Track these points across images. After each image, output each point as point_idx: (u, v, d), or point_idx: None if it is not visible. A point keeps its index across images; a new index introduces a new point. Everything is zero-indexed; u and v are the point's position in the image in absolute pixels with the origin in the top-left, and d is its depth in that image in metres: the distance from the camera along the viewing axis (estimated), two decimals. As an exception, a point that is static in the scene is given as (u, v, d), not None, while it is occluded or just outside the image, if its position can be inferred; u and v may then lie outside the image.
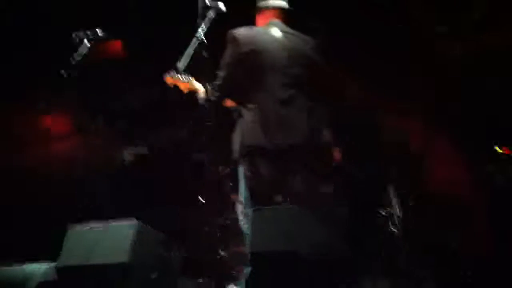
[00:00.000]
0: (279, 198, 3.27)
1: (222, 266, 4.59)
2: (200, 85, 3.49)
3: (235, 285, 3.44)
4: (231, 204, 4.73)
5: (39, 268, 3.23)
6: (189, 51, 3.13)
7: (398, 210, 4.50)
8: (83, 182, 5.58)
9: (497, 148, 4.55)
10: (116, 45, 5.90)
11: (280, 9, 3.50)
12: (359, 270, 3.42)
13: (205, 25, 3.26)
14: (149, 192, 5.67)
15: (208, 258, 4.67)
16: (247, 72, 3.29)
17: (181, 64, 3.09)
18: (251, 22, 3.57)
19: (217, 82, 3.35)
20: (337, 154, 3.43)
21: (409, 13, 5.27)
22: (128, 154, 6.13)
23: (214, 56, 3.35)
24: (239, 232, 3.40)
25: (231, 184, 4.82)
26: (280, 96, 3.26)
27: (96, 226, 3.19)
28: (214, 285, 4.24)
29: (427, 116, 4.97)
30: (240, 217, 3.33)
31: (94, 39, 3.56)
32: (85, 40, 3.53)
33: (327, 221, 2.78)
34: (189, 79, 3.55)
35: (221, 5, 3.33)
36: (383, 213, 4.53)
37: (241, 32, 3.34)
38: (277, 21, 3.46)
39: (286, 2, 3.55)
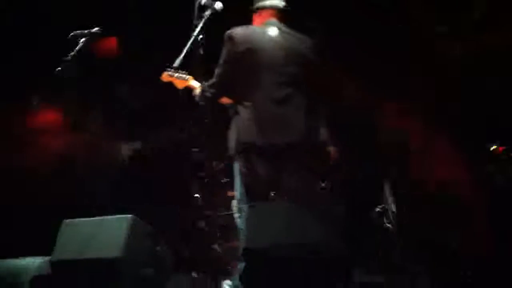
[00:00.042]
0: (274, 195, 3.29)
1: (216, 262, 4.60)
2: (197, 82, 3.51)
3: (230, 280, 3.46)
4: (227, 200, 4.75)
5: (33, 262, 3.24)
6: (186, 50, 3.14)
7: (393, 206, 4.51)
8: (79, 180, 5.59)
9: (494, 147, 4.55)
10: (112, 42, 5.90)
11: (277, 9, 3.52)
12: (355, 266, 3.42)
13: (201, 24, 3.27)
14: (145, 189, 5.68)
15: (202, 254, 4.68)
16: (243, 71, 3.31)
17: (177, 62, 3.10)
18: (248, 21, 3.58)
19: (214, 80, 3.37)
20: (333, 152, 3.44)
21: (409, 13, 5.27)
22: (126, 150, 6.14)
23: (210, 55, 3.36)
24: (234, 227, 3.42)
25: (227, 180, 4.83)
26: (276, 95, 3.29)
27: (90, 220, 3.20)
28: (209, 281, 4.24)
29: (427, 116, 4.97)
30: (235, 213, 3.35)
31: (90, 37, 3.56)
32: (81, 39, 3.53)
33: (322, 217, 2.79)
34: (186, 76, 3.57)
35: (218, 5, 3.34)
36: (379, 209, 4.54)
37: (238, 31, 3.36)
38: (274, 20, 3.48)
39: (283, 1, 3.56)
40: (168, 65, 3.44)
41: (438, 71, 5.02)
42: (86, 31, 3.57)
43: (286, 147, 3.22)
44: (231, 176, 3.51)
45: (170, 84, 3.66)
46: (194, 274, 4.55)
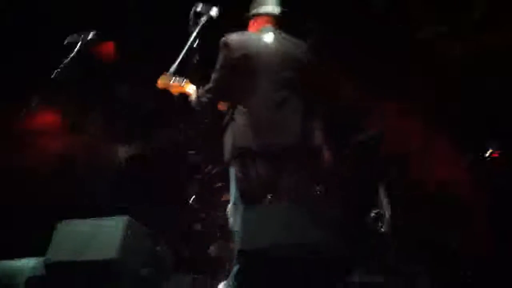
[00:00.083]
0: (269, 198, 3.31)
1: (213, 263, 4.61)
2: (193, 87, 3.52)
3: (226, 282, 3.46)
4: (222, 203, 4.76)
5: (27, 263, 3.23)
6: (181, 56, 3.15)
7: (388, 210, 4.51)
8: (75, 182, 5.58)
9: (489, 151, 4.56)
10: (109, 47, 5.90)
11: (272, 16, 3.56)
12: (353, 267, 3.43)
13: (197, 31, 3.28)
14: (142, 190, 5.68)
15: (200, 255, 4.70)
16: (239, 77, 3.34)
17: (173, 68, 3.11)
18: (244, 28, 3.62)
19: (210, 85, 3.39)
20: (328, 156, 3.47)
21: (409, 13, 5.27)
22: (123, 152, 6.14)
23: (206, 61, 3.37)
24: (228, 230, 3.43)
25: (222, 184, 4.85)
26: (271, 100, 3.32)
27: (85, 221, 3.19)
28: (209, 281, 4.26)
29: (427, 116, 4.97)
30: (230, 217, 3.37)
31: (87, 42, 3.57)
32: (78, 44, 3.54)
33: (318, 219, 2.79)
34: (182, 82, 3.59)
35: (213, 12, 3.35)
36: (374, 214, 4.54)
37: (233, 37, 3.40)
38: (269, 27, 3.51)
39: (279, 7, 3.59)
40: (164, 72, 3.45)
41: (438, 71, 5.02)
42: (82, 36, 3.58)
43: (281, 151, 3.25)
44: (225, 180, 3.53)
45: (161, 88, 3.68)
46: (192, 276, 4.55)
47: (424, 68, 5.08)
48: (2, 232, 4.86)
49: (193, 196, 5.07)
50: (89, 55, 3.81)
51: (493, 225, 4.21)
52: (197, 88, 3.47)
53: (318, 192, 4.52)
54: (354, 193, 4.77)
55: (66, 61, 3.50)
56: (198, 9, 3.34)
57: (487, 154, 4.56)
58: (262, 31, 3.50)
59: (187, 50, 3.19)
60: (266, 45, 3.42)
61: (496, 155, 4.55)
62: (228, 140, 3.35)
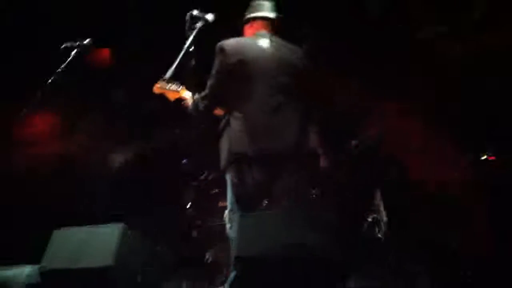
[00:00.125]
0: (265, 204, 3.31)
1: (211, 270, 4.61)
2: (189, 93, 3.53)
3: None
4: (218, 210, 4.76)
5: (22, 271, 3.19)
6: (177, 61, 3.15)
7: (384, 215, 4.52)
8: (73, 184, 5.58)
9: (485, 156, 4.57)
10: (104, 53, 5.91)
11: (268, 20, 3.56)
12: (346, 272, 3.43)
13: (193, 36, 3.27)
14: (139, 194, 5.66)
15: (197, 262, 4.69)
16: (235, 82, 3.34)
17: (169, 74, 3.11)
18: (240, 33, 3.62)
19: (206, 92, 3.39)
20: (324, 161, 3.47)
21: (409, 13, 5.27)
22: (119, 157, 6.13)
23: (202, 66, 3.37)
24: (225, 237, 3.43)
25: (219, 190, 4.85)
26: (267, 106, 3.31)
27: (81, 229, 3.18)
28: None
29: (427, 116, 4.97)
30: (227, 223, 3.37)
31: (82, 49, 3.58)
32: (73, 51, 3.55)
33: (314, 225, 2.79)
34: (178, 88, 3.59)
35: (209, 16, 3.35)
36: (370, 219, 4.54)
37: (229, 43, 3.40)
38: (264, 31, 3.52)
39: (274, 12, 3.59)
40: (160, 77, 3.46)
41: (438, 71, 5.02)
42: (77, 43, 3.59)
43: (277, 157, 3.25)
44: (222, 186, 3.53)
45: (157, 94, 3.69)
46: (190, 282, 4.56)
47: (424, 68, 5.08)
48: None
49: (190, 203, 5.07)
50: (85, 61, 3.81)
51: (493, 225, 4.21)
52: (193, 94, 3.47)
53: (314, 196, 4.52)
54: (350, 198, 4.77)
55: (62, 66, 3.50)
56: (194, 13, 3.34)
57: (483, 158, 4.56)
58: (257, 36, 3.51)
59: (183, 55, 3.18)
60: (262, 50, 3.42)
61: (492, 158, 4.55)
62: (224, 146, 3.35)
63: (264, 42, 3.46)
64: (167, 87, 3.64)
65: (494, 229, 4.19)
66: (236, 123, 3.29)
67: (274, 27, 3.57)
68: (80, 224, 3.24)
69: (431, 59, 5.10)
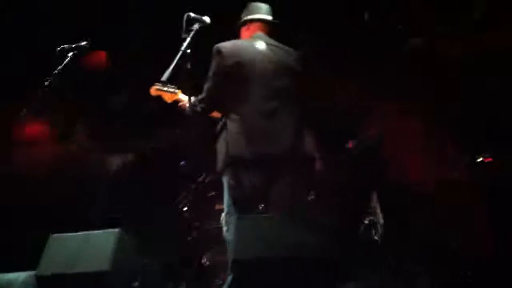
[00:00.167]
0: (262, 207, 3.31)
1: (207, 273, 4.60)
2: (185, 96, 3.53)
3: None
4: (215, 212, 4.75)
5: (18, 277, 3.17)
6: (174, 63, 3.16)
7: (381, 217, 4.52)
8: (67, 190, 5.57)
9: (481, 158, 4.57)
10: (101, 56, 5.90)
11: (265, 22, 3.57)
12: (344, 275, 3.43)
13: (189, 38, 3.28)
14: (136, 197, 5.66)
15: (194, 265, 4.69)
16: (232, 84, 3.35)
17: (165, 76, 3.12)
18: (237, 35, 3.64)
19: (203, 94, 3.39)
20: (319, 164, 3.48)
21: (409, 13, 5.27)
22: (115, 160, 6.13)
23: (198, 69, 3.37)
24: (222, 240, 3.43)
25: (216, 192, 4.85)
26: (264, 108, 3.32)
27: (77, 235, 3.17)
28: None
29: (427, 116, 4.97)
30: (224, 226, 3.36)
31: (78, 51, 3.58)
32: (69, 53, 3.56)
33: (310, 228, 2.79)
34: (175, 90, 3.60)
35: (206, 18, 3.36)
36: (366, 222, 4.54)
37: (226, 45, 3.41)
38: (261, 34, 3.53)
39: (271, 14, 3.59)
40: (157, 79, 3.46)
41: (438, 71, 5.02)
42: (74, 45, 3.59)
43: (274, 159, 3.25)
44: (219, 189, 3.53)
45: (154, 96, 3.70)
46: (186, 285, 4.55)
47: (424, 68, 5.08)
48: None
49: (186, 205, 5.07)
50: (81, 64, 3.82)
51: (493, 225, 4.21)
52: (189, 97, 3.47)
53: (310, 198, 4.52)
54: (347, 200, 4.77)
55: (58, 68, 3.50)
56: (191, 16, 3.34)
57: (479, 160, 4.57)
58: (254, 38, 3.51)
59: (180, 57, 3.19)
60: (259, 52, 3.43)
61: (489, 159, 4.56)
62: (221, 149, 3.35)
63: (261, 45, 3.46)
64: (164, 89, 3.66)
65: (494, 229, 4.19)
66: (233, 126, 3.29)
67: (271, 30, 3.58)
68: (77, 226, 3.24)
69: (431, 59, 5.10)
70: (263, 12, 3.61)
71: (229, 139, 3.29)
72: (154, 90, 3.73)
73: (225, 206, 3.37)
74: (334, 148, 4.90)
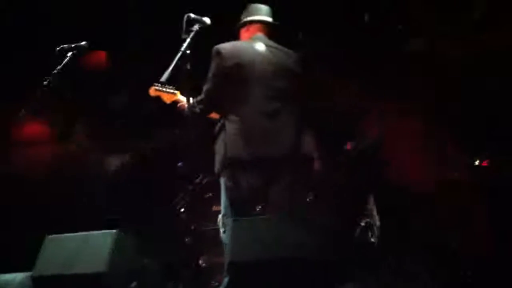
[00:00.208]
0: (259, 209, 3.30)
1: (204, 275, 4.59)
2: (184, 97, 3.53)
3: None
4: (212, 214, 4.74)
5: (14, 278, 3.16)
6: (173, 64, 3.16)
7: (377, 219, 4.51)
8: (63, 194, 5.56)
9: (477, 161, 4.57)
10: (100, 56, 5.90)
11: (265, 24, 3.57)
12: (342, 277, 3.43)
13: (189, 39, 3.28)
14: (134, 197, 5.65)
15: (190, 267, 4.68)
16: (231, 86, 3.34)
17: (165, 77, 3.12)
18: (236, 36, 3.63)
19: (202, 95, 3.39)
20: (318, 165, 3.47)
21: (409, 13, 5.27)
22: (113, 160, 6.12)
23: (198, 70, 3.37)
24: (219, 242, 3.43)
25: (213, 194, 4.84)
26: (264, 110, 3.32)
27: (74, 235, 3.15)
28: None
29: (427, 116, 4.97)
30: (221, 228, 3.36)
31: (77, 51, 3.58)
32: (69, 53, 3.56)
33: (308, 230, 2.78)
34: (174, 91, 3.60)
35: (206, 19, 3.36)
36: (363, 224, 4.53)
37: (226, 46, 3.41)
38: (261, 35, 3.52)
39: (271, 16, 3.59)
40: (156, 80, 3.46)
41: (438, 71, 5.02)
42: (73, 45, 3.59)
43: (272, 161, 3.24)
44: (216, 190, 3.52)
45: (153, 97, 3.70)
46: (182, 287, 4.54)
47: (424, 68, 5.08)
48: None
49: (184, 207, 5.06)
50: (80, 64, 3.82)
51: (493, 225, 4.20)
52: (188, 98, 3.46)
53: (308, 199, 4.51)
54: (344, 202, 4.76)
55: (57, 68, 3.50)
56: (191, 17, 3.34)
57: (476, 163, 4.57)
58: (254, 39, 3.51)
59: (179, 58, 3.19)
60: (259, 54, 3.42)
61: (485, 164, 4.56)
62: (219, 150, 3.34)
63: (261, 46, 3.46)
64: (163, 90, 3.66)
65: (494, 229, 4.18)
66: (231, 127, 3.29)
67: (271, 31, 3.58)
68: (76, 226, 3.23)
69: (431, 59, 5.10)
70: (263, 14, 3.61)
71: (227, 140, 3.29)
72: (153, 91, 3.74)
73: (222, 207, 3.36)
74: (333, 149, 4.90)
